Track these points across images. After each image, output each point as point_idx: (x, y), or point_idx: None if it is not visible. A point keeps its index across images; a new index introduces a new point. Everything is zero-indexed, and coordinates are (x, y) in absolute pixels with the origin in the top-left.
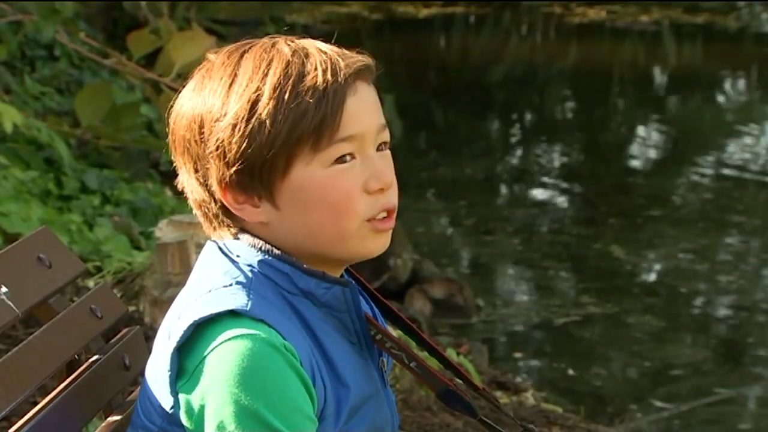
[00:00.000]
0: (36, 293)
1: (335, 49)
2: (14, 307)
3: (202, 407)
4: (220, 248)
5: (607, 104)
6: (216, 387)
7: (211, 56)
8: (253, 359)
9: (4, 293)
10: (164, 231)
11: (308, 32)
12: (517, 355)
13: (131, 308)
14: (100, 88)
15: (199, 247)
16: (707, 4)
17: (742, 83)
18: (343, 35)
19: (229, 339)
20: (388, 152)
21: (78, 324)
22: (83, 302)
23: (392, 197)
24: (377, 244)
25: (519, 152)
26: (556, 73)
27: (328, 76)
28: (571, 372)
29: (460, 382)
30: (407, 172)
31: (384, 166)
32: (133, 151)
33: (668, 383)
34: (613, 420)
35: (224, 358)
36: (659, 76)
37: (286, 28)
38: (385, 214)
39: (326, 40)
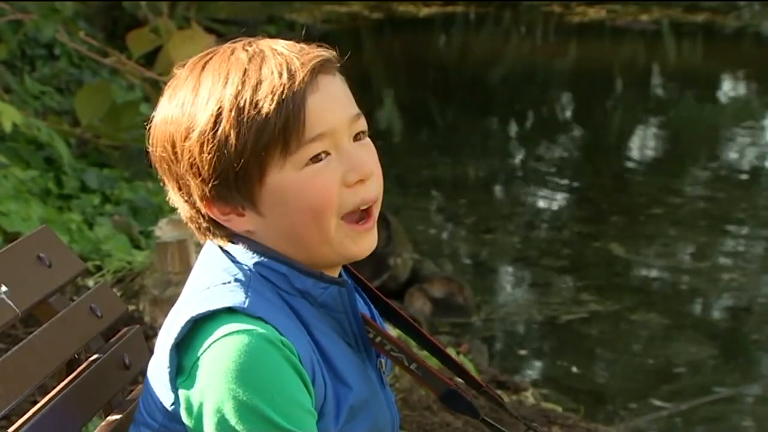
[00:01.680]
0: (36, 292)
1: (293, 47)
2: (14, 307)
3: (201, 404)
4: (220, 246)
5: (607, 103)
6: (214, 383)
7: (176, 71)
8: (250, 354)
9: (4, 292)
10: (164, 230)
11: (308, 32)
12: (517, 354)
13: (131, 307)
14: (100, 87)
15: (199, 246)
16: (707, 3)
17: (742, 82)
18: (344, 34)
19: (226, 335)
20: (367, 141)
21: (78, 323)
22: (83, 301)
23: (372, 188)
24: (362, 245)
25: (519, 151)
26: (557, 72)
27: (284, 78)
28: (571, 371)
29: (461, 381)
30: (407, 170)
31: (362, 156)
32: (133, 151)
33: (670, 381)
34: (613, 419)
35: (221, 354)
36: (659, 75)
37: (262, 33)
38: (364, 208)
39: (325, 43)
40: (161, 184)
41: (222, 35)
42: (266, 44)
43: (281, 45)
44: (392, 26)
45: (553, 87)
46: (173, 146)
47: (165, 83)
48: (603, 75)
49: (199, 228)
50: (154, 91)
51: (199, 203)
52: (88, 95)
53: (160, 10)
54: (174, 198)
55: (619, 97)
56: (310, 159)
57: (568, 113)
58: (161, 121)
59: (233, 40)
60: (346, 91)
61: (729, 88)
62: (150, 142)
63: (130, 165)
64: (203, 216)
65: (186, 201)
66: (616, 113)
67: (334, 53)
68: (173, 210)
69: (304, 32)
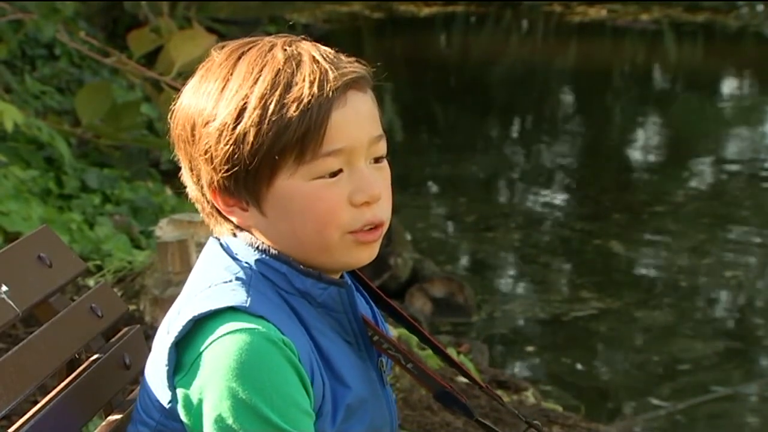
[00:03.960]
0: (36, 292)
1: (331, 56)
2: (14, 306)
3: (200, 401)
4: (221, 245)
5: (608, 103)
6: (214, 380)
7: (213, 53)
8: (251, 353)
9: (5, 292)
10: (164, 230)
11: (309, 31)
12: (518, 353)
13: (131, 307)
14: (101, 87)
15: (200, 246)
16: (707, 3)
17: (742, 82)
18: (344, 34)
19: (228, 333)
20: (384, 165)
21: (78, 323)
22: (83, 301)
23: (379, 211)
24: (362, 255)
25: (520, 150)
26: (557, 71)
27: (315, 88)
28: (572, 370)
29: (463, 380)
30: (408, 169)
31: (374, 178)
32: (134, 150)
33: (672, 379)
34: (614, 417)
35: (222, 351)
36: (660, 75)
37: (290, 24)
38: (370, 227)
39: (327, 43)
40: (174, 160)
41: (223, 35)
42: (306, 48)
43: (320, 52)
44: (393, 26)
45: (553, 86)
46: (193, 128)
47: (166, 83)
48: (603, 74)
49: (203, 210)
50: (154, 91)
51: (206, 188)
52: (88, 95)
53: (160, 10)
54: (185, 176)
55: (620, 96)
56: (321, 173)
57: (569, 112)
58: (187, 101)
59: (276, 35)
60: (373, 111)
61: (729, 87)
62: (172, 118)
63: (130, 165)
64: (208, 201)
65: (195, 183)
66: (617, 112)
67: (370, 70)
68: (173, 210)
69: (301, 31)
